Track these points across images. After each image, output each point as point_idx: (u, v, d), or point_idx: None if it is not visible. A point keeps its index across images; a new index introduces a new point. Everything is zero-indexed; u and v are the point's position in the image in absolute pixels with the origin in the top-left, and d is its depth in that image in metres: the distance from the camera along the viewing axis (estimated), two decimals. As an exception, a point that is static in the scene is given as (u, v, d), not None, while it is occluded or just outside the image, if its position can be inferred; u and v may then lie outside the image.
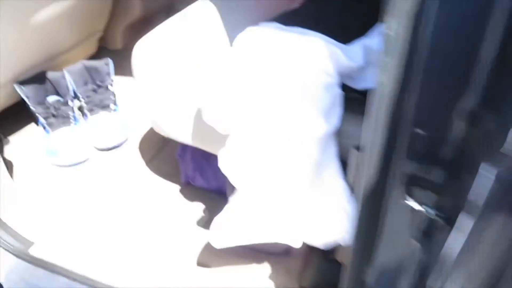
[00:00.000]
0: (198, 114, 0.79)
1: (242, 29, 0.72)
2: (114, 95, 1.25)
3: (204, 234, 0.95)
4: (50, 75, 1.20)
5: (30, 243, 0.97)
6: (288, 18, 0.87)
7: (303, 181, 0.66)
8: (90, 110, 1.20)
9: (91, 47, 1.50)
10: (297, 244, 0.71)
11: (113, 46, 1.65)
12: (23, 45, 1.13)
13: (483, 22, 0.38)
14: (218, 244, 0.73)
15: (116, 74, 1.29)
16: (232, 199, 0.71)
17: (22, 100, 1.17)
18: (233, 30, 0.96)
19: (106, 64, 1.27)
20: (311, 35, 0.69)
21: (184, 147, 1.02)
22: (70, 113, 1.17)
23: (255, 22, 0.74)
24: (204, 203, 1.05)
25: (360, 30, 0.79)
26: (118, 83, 1.32)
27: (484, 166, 0.39)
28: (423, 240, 0.51)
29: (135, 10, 1.55)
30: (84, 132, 1.18)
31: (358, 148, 0.59)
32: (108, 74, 1.26)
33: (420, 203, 0.48)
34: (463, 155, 0.44)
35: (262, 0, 1.10)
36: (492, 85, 0.40)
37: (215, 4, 1.02)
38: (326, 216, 0.68)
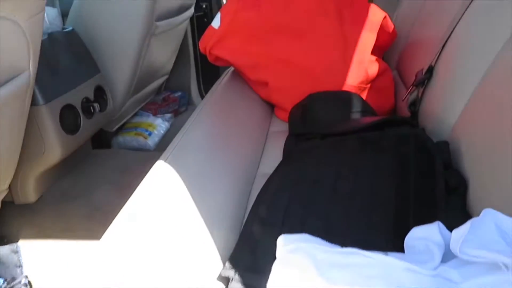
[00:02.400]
0: None
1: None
2: (31, 301, 0.84)
3: None
4: None
5: None
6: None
7: None
8: None
9: (-9, 211, 1.09)
10: None
11: (22, 201, 1.24)
12: None
13: None
14: None
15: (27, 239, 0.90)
16: None
17: None
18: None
19: (14, 252, 0.87)
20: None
21: None
22: None
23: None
24: None
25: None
26: (33, 270, 0.92)
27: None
28: None
29: (53, 155, 1.18)
30: None
31: None
32: (19, 266, 0.87)
33: None
34: None
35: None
36: None
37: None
38: None
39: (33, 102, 1.06)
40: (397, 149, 0.68)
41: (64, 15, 1.41)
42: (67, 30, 1.28)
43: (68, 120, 1.20)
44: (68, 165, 1.37)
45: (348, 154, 0.70)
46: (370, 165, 0.67)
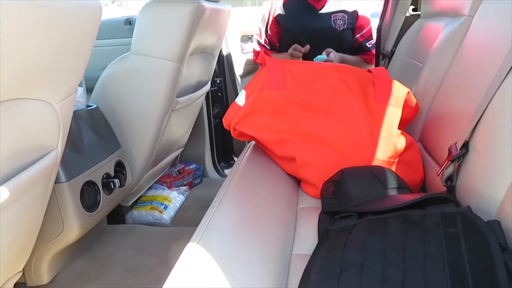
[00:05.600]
0: None
1: None
2: None
3: None
4: None
5: None
6: None
7: None
8: None
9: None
10: None
11: (35, 282, 1.18)
12: None
13: None
14: None
15: None
16: None
17: None
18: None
19: None
20: None
21: None
22: None
23: None
24: None
25: None
26: None
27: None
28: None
29: (70, 234, 1.14)
30: None
31: None
32: None
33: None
34: None
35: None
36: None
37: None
38: None
39: (56, 180, 1.04)
40: (445, 230, 0.65)
41: (88, 90, 1.46)
42: (91, 108, 1.30)
43: (88, 197, 1.19)
44: (83, 243, 1.32)
45: (391, 235, 0.66)
46: (418, 249, 0.63)
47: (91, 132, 1.26)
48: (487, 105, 0.76)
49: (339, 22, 1.72)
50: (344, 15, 1.73)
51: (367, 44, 1.81)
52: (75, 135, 1.17)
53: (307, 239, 0.82)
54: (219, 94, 2.24)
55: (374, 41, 1.86)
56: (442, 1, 1.43)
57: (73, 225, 1.13)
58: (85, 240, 1.32)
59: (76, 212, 1.12)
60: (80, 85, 1.33)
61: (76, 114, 1.22)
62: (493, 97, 0.76)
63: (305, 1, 1.74)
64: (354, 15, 1.75)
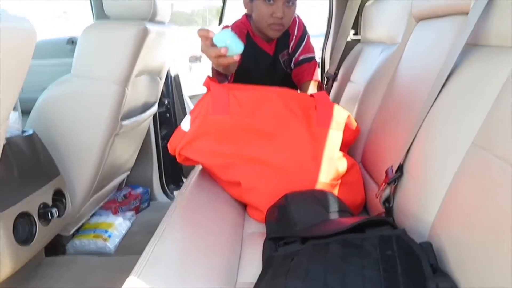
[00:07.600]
0: None
1: None
2: None
3: None
4: None
5: None
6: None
7: None
8: None
9: None
10: None
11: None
12: None
13: None
14: None
15: None
16: None
17: None
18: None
19: None
20: None
21: None
22: None
23: None
24: None
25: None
26: None
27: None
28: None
29: (1, 271, 1.05)
30: None
31: None
32: None
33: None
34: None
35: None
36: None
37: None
38: None
39: (-16, 213, 0.97)
40: (382, 253, 0.67)
41: (26, 112, 1.37)
42: (27, 134, 1.23)
43: (22, 230, 1.11)
44: (19, 278, 1.23)
45: (332, 260, 0.68)
46: (357, 273, 0.64)
47: (26, 159, 1.19)
48: (418, 129, 0.81)
49: (287, 62, 1.60)
50: (288, 52, 1.59)
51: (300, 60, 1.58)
52: (7, 164, 1.09)
53: (252, 267, 0.82)
54: (167, 115, 2.21)
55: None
56: (378, 30, 1.52)
57: (5, 261, 1.04)
58: (21, 275, 1.23)
59: (8, 246, 1.04)
60: (14, 109, 1.27)
61: (9, 141, 1.15)
62: (423, 122, 0.81)
63: (260, 48, 1.58)
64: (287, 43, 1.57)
